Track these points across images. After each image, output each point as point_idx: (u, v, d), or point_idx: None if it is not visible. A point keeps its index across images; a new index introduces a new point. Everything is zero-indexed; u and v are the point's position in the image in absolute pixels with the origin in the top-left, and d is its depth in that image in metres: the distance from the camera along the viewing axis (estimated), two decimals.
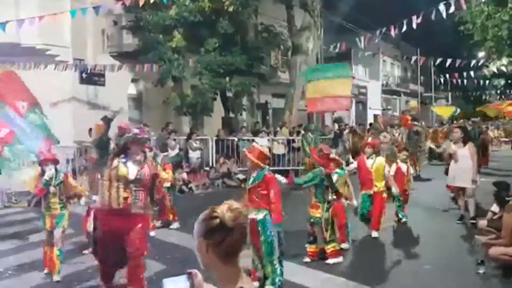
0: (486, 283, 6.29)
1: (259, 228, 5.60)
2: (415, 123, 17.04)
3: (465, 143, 9.22)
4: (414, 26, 12.95)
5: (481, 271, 6.49)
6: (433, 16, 12.01)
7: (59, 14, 12.33)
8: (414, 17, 12.97)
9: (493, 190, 7.81)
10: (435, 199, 12.22)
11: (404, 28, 13.37)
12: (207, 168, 16.46)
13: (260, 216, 5.63)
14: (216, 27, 17.15)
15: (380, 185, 8.40)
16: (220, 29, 17.13)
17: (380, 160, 8.56)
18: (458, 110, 31.34)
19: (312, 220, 7.07)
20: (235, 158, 16.63)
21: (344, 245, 7.66)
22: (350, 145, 16.27)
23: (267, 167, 6.08)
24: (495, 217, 7.03)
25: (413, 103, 18.23)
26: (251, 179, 5.88)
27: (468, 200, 9.20)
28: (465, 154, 9.09)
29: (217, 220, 2.03)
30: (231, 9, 16.82)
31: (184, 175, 14.77)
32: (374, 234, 8.48)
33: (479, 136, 18.41)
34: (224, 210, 2.05)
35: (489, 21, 19.04)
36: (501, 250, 6.27)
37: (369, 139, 9.74)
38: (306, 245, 7.22)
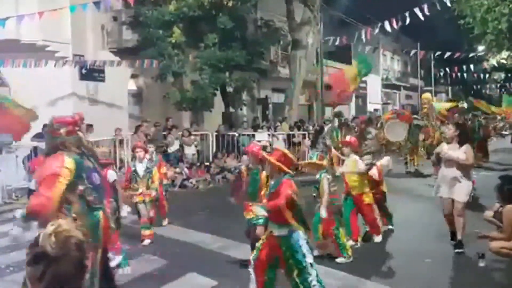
0: (487, 276, 6.30)
1: (283, 247, 4.86)
2: (416, 116, 16.85)
3: (461, 144, 7.23)
4: (422, 17, 13.01)
5: (482, 264, 6.51)
6: (438, 6, 12.04)
7: (59, 10, 12.35)
8: (416, 9, 13.05)
9: (497, 183, 7.68)
10: None
11: (408, 21, 13.46)
12: (208, 164, 16.46)
13: (283, 232, 4.85)
14: (216, 22, 17.09)
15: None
16: (219, 24, 17.07)
17: (353, 157, 7.84)
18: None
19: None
20: (235, 153, 16.64)
21: (340, 259, 6.94)
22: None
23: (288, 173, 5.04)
24: (500, 209, 6.94)
25: (427, 94, 17.74)
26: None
27: (457, 218, 7.22)
28: (459, 158, 7.09)
29: (38, 248, 1.65)
30: (230, 4, 16.78)
31: (186, 170, 14.81)
32: (377, 239, 7.95)
33: (479, 129, 18.18)
34: (47, 233, 1.66)
35: (489, 15, 18.95)
36: (502, 243, 6.28)
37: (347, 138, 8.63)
38: None
